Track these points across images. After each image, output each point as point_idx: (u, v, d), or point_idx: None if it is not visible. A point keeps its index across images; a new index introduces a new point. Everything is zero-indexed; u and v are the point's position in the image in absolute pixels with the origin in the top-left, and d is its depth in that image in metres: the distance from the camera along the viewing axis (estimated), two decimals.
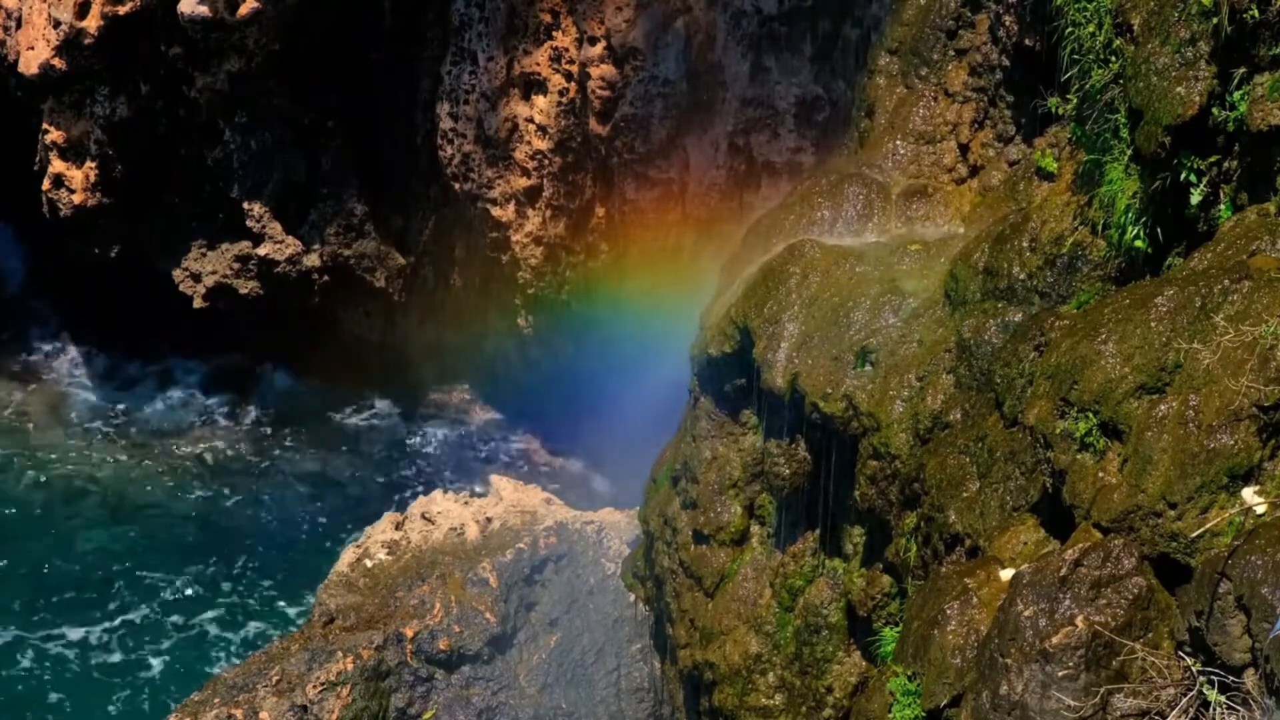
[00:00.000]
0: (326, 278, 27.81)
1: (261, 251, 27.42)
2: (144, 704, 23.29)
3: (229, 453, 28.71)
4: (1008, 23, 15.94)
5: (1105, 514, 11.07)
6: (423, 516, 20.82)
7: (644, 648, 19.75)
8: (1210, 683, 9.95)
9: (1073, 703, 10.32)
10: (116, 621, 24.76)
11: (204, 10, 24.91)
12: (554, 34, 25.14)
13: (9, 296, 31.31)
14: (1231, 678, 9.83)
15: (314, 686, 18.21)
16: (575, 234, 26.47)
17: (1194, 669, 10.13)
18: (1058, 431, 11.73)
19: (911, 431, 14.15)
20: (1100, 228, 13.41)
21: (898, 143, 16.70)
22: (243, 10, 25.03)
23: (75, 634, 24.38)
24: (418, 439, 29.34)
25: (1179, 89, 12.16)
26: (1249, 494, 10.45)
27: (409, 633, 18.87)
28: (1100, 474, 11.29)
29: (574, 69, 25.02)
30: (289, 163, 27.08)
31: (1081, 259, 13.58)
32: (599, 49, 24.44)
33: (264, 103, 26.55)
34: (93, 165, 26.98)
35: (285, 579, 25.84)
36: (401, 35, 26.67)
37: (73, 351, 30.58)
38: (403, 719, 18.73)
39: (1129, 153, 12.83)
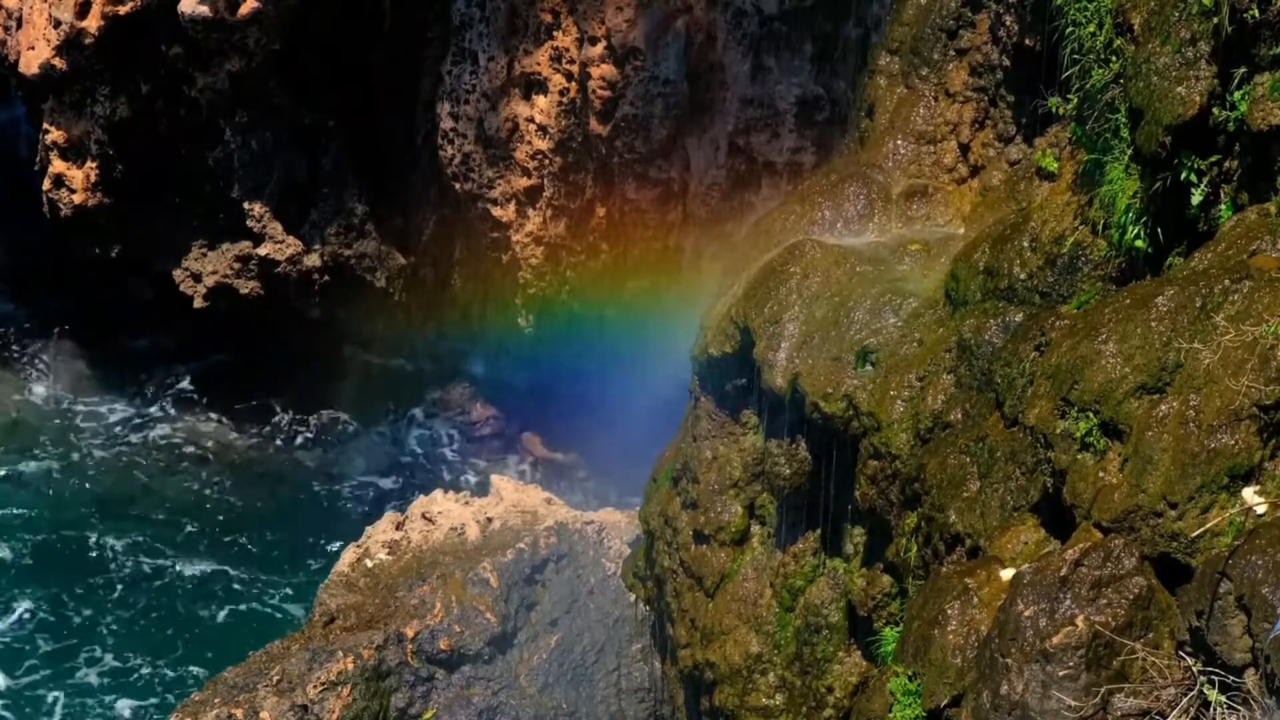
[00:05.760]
0: (327, 278, 27.81)
1: (262, 251, 27.43)
2: (141, 702, 23.31)
3: (227, 452, 28.71)
4: (1008, 22, 15.93)
5: (1106, 514, 11.07)
6: (423, 516, 20.82)
7: (644, 647, 19.75)
8: (1211, 683, 9.95)
9: (1073, 703, 10.33)
10: (114, 620, 24.77)
11: (204, 10, 24.91)
12: (554, 34, 25.14)
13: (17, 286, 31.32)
14: (1232, 678, 9.83)
15: (314, 686, 18.21)
16: (576, 234, 26.48)
17: (1194, 669, 10.13)
18: (1058, 431, 11.72)
19: (912, 431, 14.14)
20: (1101, 227, 13.41)
21: (898, 142, 16.69)
22: (243, 10, 25.03)
23: (71, 631, 24.39)
24: (418, 438, 29.35)
25: (1179, 89, 12.15)
26: (1249, 494, 10.45)
27: (409, 632, 18.87)
28: (1101, 474, 11.29)
29: (574, 69, 25.02)
30: (289, 163, 27.08)
31: (1082, 259, 13.58)
32: (599, 49, 24.45)
33: (264, 103, 26.55)
34: (93, 165, 26.98)
35: (285, 578, 25.85)
36: (402, 35, 26.67)
37: (70, 349, 30.57)
38: (403, 719, 18.73)
39: (1129, 152, 12.83)
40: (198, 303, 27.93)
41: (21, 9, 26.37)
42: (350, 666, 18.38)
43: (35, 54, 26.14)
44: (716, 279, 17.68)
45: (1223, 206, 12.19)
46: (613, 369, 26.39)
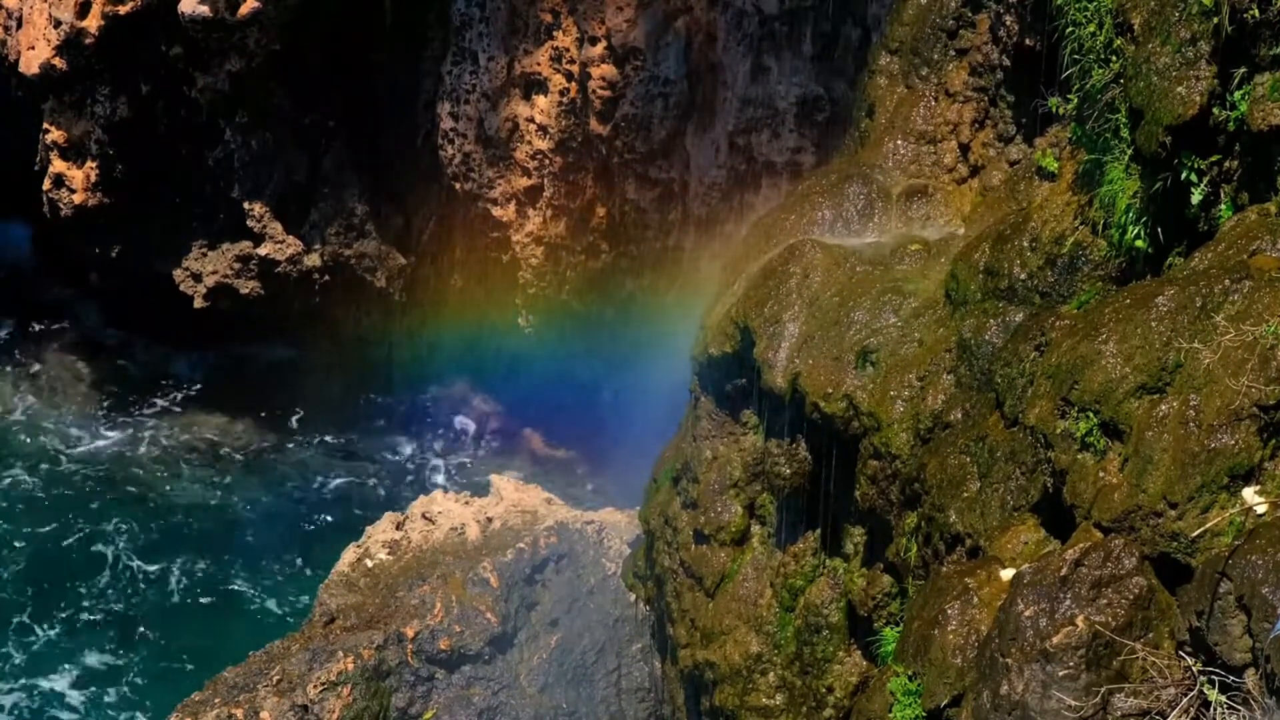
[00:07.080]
0: (327, 277, 27.82)
1: (262, 251, 27.43)
2: (140, 702, 23.31)
3: (229, 451, 28.72)
4: (1008, 22, 15.94)
5: (1106, 514, 11.07)
6: (423, 516, 20.83)
7: (644, 647, 19.76)
8: (1211, 682, 9.95)
9: (1073, 702, 10.33)
10: (114, 621, 24.77)
11: (204, 10, 24.91)
12: (555, 34, 25.14)
13: (17, 286, 31.30)
14: (1232, 677, 9.83)
15: (315, 686, 18.22)
16: (576, 234, 26.48)
17: (1194, 669, 10.13)
18: (1058, 431, 11.73)
19: (912, 431, 14.15)
20: (1101, 227, 13.41)
21: (898, 142, 16.69)
22: (243, 10, 25.03)
23: (68, 625, 24.39)
24: (418, 438, 29.35)
25: (1179, 89, 12.16)
26: (1249, 494, 10.45)
27: (410, 632, 18.88)
28: (1101, 474, 11.29)
29: (575, 69, 25.02)
30: (290, 163, 27.08)
31: (1082, 259, 13.58)
32: (600, 49, 24.45)
33: (265, 103, 26.55)
34: (93, 165, 26.99)
35: (286, 578, 25.85)
36: (402, 35, 26.67)
37: (75, 343, 30.58)
38: (403, 719, 18.73)
39: (1129, 152, 12.83)
40: (198, 303, 27.93)
41: (21, 9, 26.38)
42: (350, 666, 18.38)
43: (35, 54, 26.15)
44: (716, 279, 17.67)
45: (1223, 206, 12.19)
46: (613, 369, 26.40)
